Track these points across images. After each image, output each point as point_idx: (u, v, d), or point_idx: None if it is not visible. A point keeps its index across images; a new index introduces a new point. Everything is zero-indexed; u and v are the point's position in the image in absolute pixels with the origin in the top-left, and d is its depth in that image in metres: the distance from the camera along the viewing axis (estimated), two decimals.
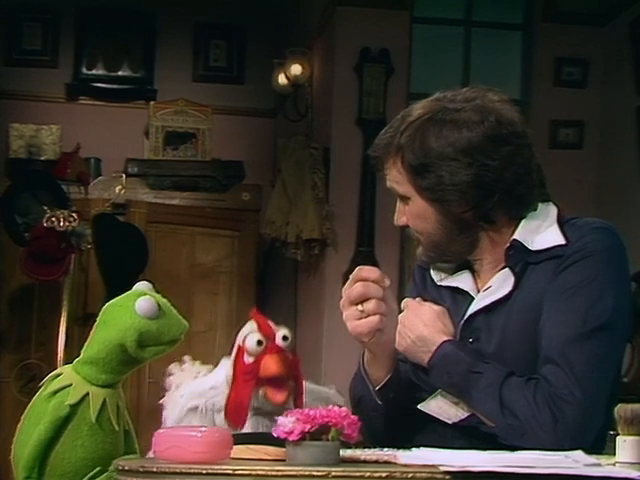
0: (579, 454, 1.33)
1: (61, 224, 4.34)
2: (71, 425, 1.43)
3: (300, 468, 1.17)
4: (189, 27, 5.86)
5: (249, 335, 1.63)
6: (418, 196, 1.64)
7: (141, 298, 1.44)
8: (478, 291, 1.68)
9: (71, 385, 1.45)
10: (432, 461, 1.21)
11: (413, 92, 4.58)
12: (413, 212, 1.66)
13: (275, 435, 1.23)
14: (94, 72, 5.73)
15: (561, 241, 1.62)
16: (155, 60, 5.80)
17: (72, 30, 5.73)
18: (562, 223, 1.65)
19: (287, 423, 1.22)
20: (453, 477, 1.16)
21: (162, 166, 5.17)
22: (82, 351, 1.49)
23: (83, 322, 4.59)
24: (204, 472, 1.17)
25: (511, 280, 1.63)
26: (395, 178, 1.66)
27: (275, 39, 5.77)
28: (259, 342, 1.63)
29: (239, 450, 1.30)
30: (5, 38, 5.67)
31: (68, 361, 4.79)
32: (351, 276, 1.62)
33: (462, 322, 1.66)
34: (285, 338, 1.65)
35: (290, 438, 1.21)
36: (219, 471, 1.17)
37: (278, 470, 1.16)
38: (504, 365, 1.58)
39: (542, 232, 1.63)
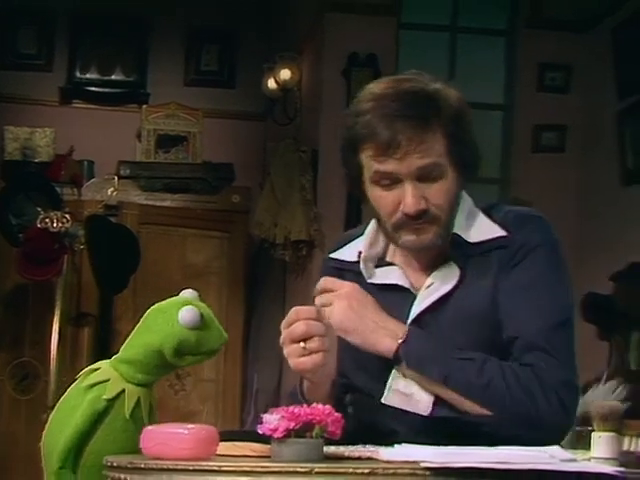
0: (556, 449, 1.33)
1: (54, 225, 4.33)
2: (107, 420, 1.43)
3: (284, 464, 1.18)
4: (181, 32, 5.86)
5: None
6: (452, 168, 1.58)
7: (185, 308, 1.43)
8: (413, 287, 1.64)
9: (108, 380, 1.46)
10: (414, 457, 1.22)
11: None
12: (444, 189, 1.58)
13: (260, 432, 1.23)
14: (88, 76, 5.72)
15: (501, 232, 1.61)
16: (148, 64, 5.79)
17: (66, 35, 5.72)
18: (486, 211, 1.64)
19: (272, 420, 1.23)
20: (434, 473, 1.16)
21: (154, 168, 5.17)
22: (121, 349, 1.49)
23: (76, 321, 4.59)
24: (190, 468, 1.17)
25: (453, 275, 1.60)
26: (436, 152, 1.56)
27: (265, 44, 5.77)
28: None
29: (225, 447, 1.30)
30: (0, 42, 5.66)
31: (61, 359, 4.76)
32: (288, 316, 1.54)
33: (409, 321, 1.61)
34: None
35: (275, 435, 1.22)
36: (205, 467, 1.18)
37: (263, 466, 1.17)
38: (462, 349, 1.54)
39: (474, 223, 1.62)
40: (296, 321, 1.52)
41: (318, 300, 1.58)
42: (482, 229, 1.62)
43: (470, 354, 1.53)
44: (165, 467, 1.19)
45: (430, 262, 1.64)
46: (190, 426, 1.27)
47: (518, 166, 5.08)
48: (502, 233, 1.61)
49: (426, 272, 1.64)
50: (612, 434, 1.26)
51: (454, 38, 5.25)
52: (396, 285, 1.65)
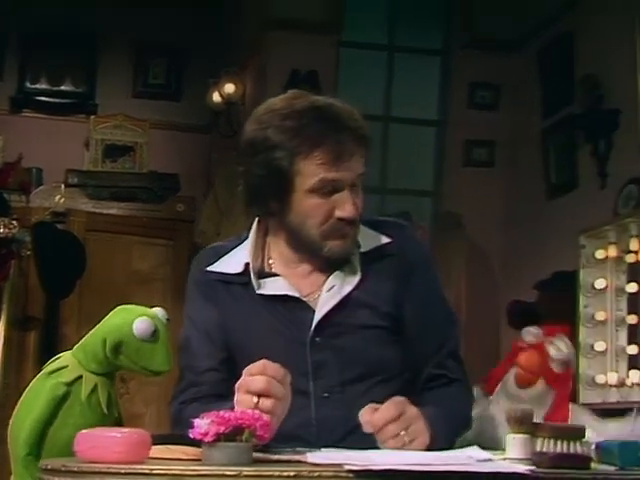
0: (474, 450, 1.35)
1: (1, 231, 4.26)
2: (66, 404, 1.43)
3: (214, 468, 1.17)
4: (130, 46, 5.83)
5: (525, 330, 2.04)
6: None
7: (144, 318, 1.43)
8: (302, 295, 1.65)
9: (67, 367, 1.46)
10: (338, 460, 1.22)
11: None
12: (362, 197, 1.64)
13: (191, 436, 1.23)
14: (38, 86, 5.67)
15: (386, 239, 1.68)
16: (97, 76, 5.77)
17: (17, 46, 5.66)
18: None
19: (203, 425, 1.22)
20: (356, 475, 1.17)
21: (101, 177, 5.11)
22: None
23: (22, 325, 4.51)
24: (122, 471, 1.16)
25: (353, 277, 1.64)
26: (363, 163, 1.62)
27: (211, 59, 5.76)
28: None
29: (158, 450, 1.29)
30: None
31: (7, 362, 4.64)
32: (255, 365, 1.43)
33: (315, 323, 1.61)
34: (558, 349, 2.00)
35: (205, 439, 1.21)
36: (137, 470, 1.16)
37: (193, 470, 1.16)
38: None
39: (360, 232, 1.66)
40: (260, 374, 1.42)
41: (393, 429, 1.44)
42: (368, 236, 1.68)
43: (447, 400, 1.62)
44: (97, 470, 1.17)
45: (324, 268, 1.66)
46: (123, 430, 1.26)
47: (450, 179, 5.15)
48: (387, 240, 1.68)
49: (312, 279, 1.66)
50: (526, 436, 1.28)
51: (391, 57, 5.30)
52: (285, 295, 1.64)
